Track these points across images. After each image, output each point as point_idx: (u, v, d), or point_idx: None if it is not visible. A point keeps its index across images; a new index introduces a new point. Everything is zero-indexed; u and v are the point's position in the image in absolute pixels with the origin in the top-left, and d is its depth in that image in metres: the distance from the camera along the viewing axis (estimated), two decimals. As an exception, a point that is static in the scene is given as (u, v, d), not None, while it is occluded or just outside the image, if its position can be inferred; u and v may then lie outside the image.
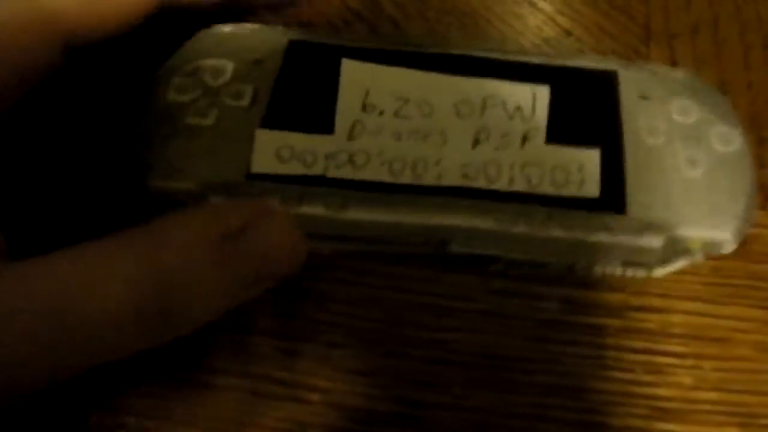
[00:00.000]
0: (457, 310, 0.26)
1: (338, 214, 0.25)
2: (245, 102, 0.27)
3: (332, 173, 0.26)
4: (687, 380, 0.25)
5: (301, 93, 0.27)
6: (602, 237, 0.25)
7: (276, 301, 0.26)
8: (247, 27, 0.29)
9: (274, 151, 0.26)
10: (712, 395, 0.25)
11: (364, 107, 0.27)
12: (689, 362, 0.25)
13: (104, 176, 0.27)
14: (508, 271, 0.26)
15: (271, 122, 0.26)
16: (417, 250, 0.26)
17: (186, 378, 0.25)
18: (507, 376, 0.25)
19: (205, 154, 0.26)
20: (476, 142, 0.26)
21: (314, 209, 0.25)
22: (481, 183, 0.25)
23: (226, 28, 0.29)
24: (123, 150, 0.26)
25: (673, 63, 0.32)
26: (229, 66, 0.28)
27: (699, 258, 0.26)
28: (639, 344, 0.26)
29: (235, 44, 0.29)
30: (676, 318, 0.26)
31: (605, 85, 0.28)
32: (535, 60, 0.29)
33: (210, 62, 0.28)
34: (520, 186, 0.25)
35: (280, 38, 0.29)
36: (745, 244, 0.26)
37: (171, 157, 0.26)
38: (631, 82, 0.28)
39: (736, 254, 0.26)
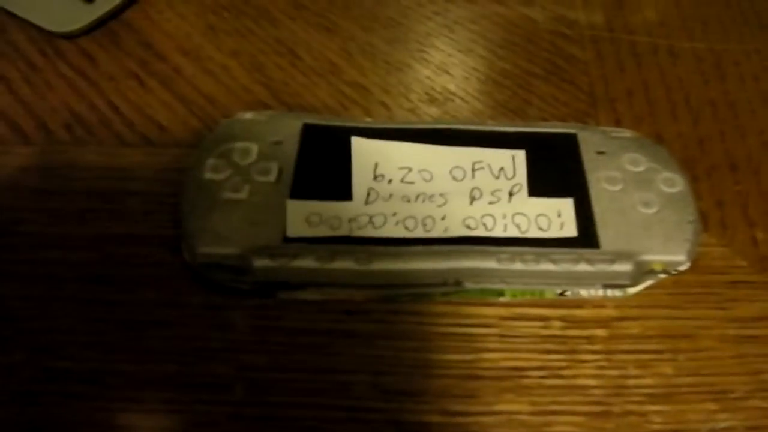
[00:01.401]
0: (478, 335, 0.30)
1: (367, 266, 0.29)
2: (272, 177, 0.31)
3: (356, 233, 0.29)
4: (668, 370, 0.30)
5: (319, 167, 0.31)
6: (584, 267, 0.29)
7: (324, 342, 0.30)
8: (265, 114, 0.33)
9: (304, 217, 0.29)
10: (690, 380, 0.29)
11: (375, 177, 0.31)
12: (667, 356, 0.30)
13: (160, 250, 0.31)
14: (513, 301, 0.31)
15: (298, 193, 0.30)
16: (437, 290, 0.30)
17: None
18: (525, 383, 0.29)
19: (244, 223, 0.29)
20: (472, 199, 0.30)
21: (346, 264, 0.28)
22: (481, 232, 0.30)
23: (247, 115, 0.33)
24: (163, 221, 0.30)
25: (617, 122, 0.36)
26: (254, 147, 0.31)
27: (662, 276, 0.30)
28: (626, 346, 0.30)
29: (256, 129, 0.32)
30: (652, 323, 0.31)
31: (569, 145, 0.32)
32: (509, 128, 0.33)
33: (237, 145, 0.31)
34: (512, 232, 0.30)
35: (295, 122, 0.32)
36: (697, 260, 0.31)
37: (214, 227, 0.29)
38: (588, 141, 0.33)
39: (691, 269, 0.30)
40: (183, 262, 0.30)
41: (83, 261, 0.31)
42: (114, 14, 0.40)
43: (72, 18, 0.39)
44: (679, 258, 0.30)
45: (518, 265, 0.29)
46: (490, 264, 0.29)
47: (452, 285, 0.29)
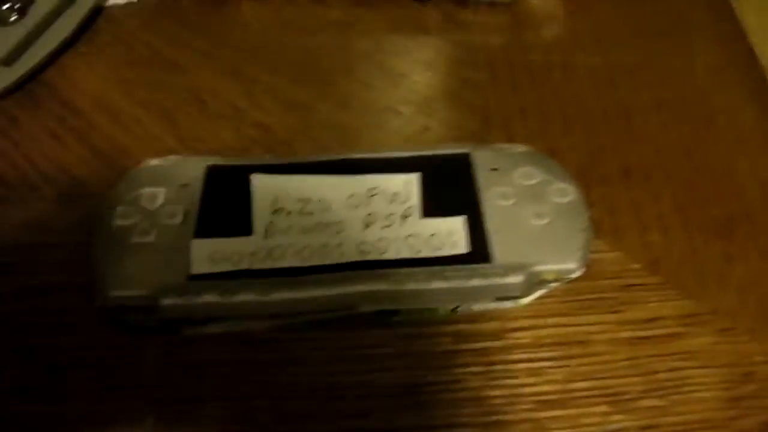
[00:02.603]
0: (375, 356, 0.31)
1: (266, 297, 0.30)
2: (178, 220, 0.32)
3: (256, 266, 0.30)
4: (560, 376, 0.30)
5: (222, 206, 0.33)
6: (475, 282, 0.30)
7: (228, 372, 0.31)
8: (171, 159, 0.35)
9: (207, 255, 0.31)
10: (583, 384, 0.30)
11: (274, 211, 0.32)
12: (560, 363, 0.31)
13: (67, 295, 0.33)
14: (408, 320, 0.32)
15: (202, 233, 0.31)
16: (334, 315, 0.31)
17: None
18: (421, 399, 0.30)
19: (152, 265, 0.30)
20: (366, 225, 0.32)
21: (247, 296, 0.30)
22: (374, 256, 0.31)
23: (154, 162, 0.34)
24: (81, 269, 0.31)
25: (511, 138, 0.38)
26: (161, 192, 0.33)
27: (555, 285, 0.32)
28: (519, 356, 0.31)
29: (163, 174, 0.34)
30: (544, 332, 0.32)
31: (462, 164, 0.34)
32: (404, 154, 0.35)
33: (145, 191, 0.33)
34: (405, 254, 0.31)
35: (199, 164, 0.34)
36: (590, 267, 0.32)
37: (124, 271, 0.30)
38: (481, 159, 0.34)
39: (584, 276, 0.31)
40: (97, 307, 0.31)
41: (6, 311, 0.33)
42: (33, 75, 0.41)
43: (-9, 81, 0.40)
44: (571, 266, 0.31)
45: (411, 286, 0.30)
46: (383, 286, 0.30)
47: (347, 310, 0.30)
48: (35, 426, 0.30)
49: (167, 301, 0.30)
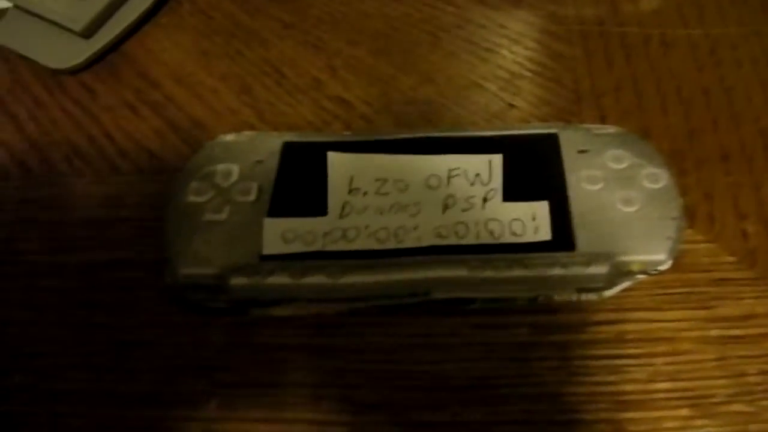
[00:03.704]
0: (447, 345, 0.30)
1: (338, 280, 0.29)
2: (252, 197, 0.31)
3: (329, 247, 0.30)
4: (642, 375, 0.29)
5: (297, 184, 0.32)
6: (557, 271, 0.28)
7: (296, 357, 0.30)
8: (246, 134, 0.34)
9: (280, 235, 0.30)
10: (665, 385, 0.29)
11: (350, 191, 0.31)
12: (643, 361, 0.29)
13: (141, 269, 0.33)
14: (484, 308, 0.30)
15: (275, 211, 0.31)
16: (407, 301, 0.30)
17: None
18: (494, 393, 0.29)
19: (223, 243, 0.30)
20: (445, 208, 0.30)
21: (317, 279, 0.29)
22: (452, 240, 0.29)
23: (229, 137, 0.34)
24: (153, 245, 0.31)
25: (603, 119, 0.36)
26: (235, 168, 0.32)
27: (641, 277, 0.30)
28: (599, 352, 0.30)
29: (238, 149, 0.33)
30: (628, 327, 0.30)
31: (548, 145, 0.32)
32: (488, 133, 0.33)
33: (219, 167, 0.32)
34: (485, 239, 0.29)
35: (275, 141, 0.33)
36: (678, 258, 0.30)
37: (195, 249, 0.30)
38: (569, 140, 0.32)
39: (674, 268, 0.30)
40: (166, 285, 0.31)
41: (73, 287, 0.32)
42: (112, 47, 0.41)
43: (71, 54, 0.40)
44: (659, 257, 0.29)
45: (489, 273, 0.29)
46: (460, 272, 0.29)
47: (421, 296, 0.29)
48: (97, 402, 0.30)
49: (237, 281, 0.29)
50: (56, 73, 0.40)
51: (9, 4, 0.42)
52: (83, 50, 0.40)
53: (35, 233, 0.34)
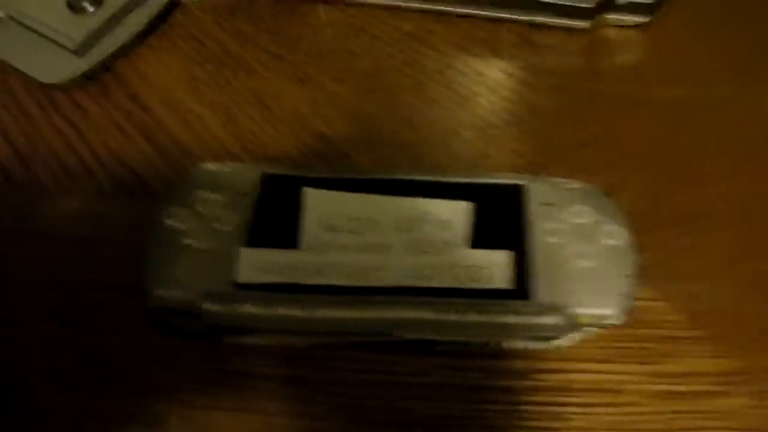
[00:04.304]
0: (408, 383, 0.32)
1: (309, 314, 0.30)
2: (230, 227, 0.32)
3: (303, 281, 0.31)
4: (583, 424, 0.31)
5: (275, 217, 0.33)
6: (511, 318, 0.30)
7: (265, 385, 0.32)
8: (229, 165, 0.35)
9: (255, 265, 0.31)
10: None
11: (325, 227, 0.32)
12: (586, 410, 0.31)
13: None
14: (445, 350, 0.32)
15: (252, 242, 0.32)
16: (374, 338, 0.31)
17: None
18: (453, 429, 0.31)
19: (199, 269, 0.31)
20: (414, 251, 0.32)
21: (290, 311, 0.30)
22: (419, 282, 0.31)
23: (213, 166, 0.35)
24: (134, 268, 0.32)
25: (571, 173, 0.36)
26: (216, 197, 0.33)
27: (592, 329, 0.31)
28: (544, 399, 0.31)
29: (220, 179, 0.34)
30: (574, 376, 0.32)
31: (515, 196, 0.34)
32: (461, 179, 0.34)
33: (201, 194, 0.33)
34: (449, 283, 0.31)
35: (256, 173, 0.34)
36: (631, 314, 0.31)
37: (171, 272, 0.31)
38: (536, 192, 0.34)
39: (624, 323, 0.31)
40: (144, 308, 0.32)
41: (52, 304, 0.34)
42: (104, 66, 0.42)
43: (63, 69, 0.41)
44: (610, 312, 0.31)
45: (451, 316, 0.30)
46: (424, 314, 0.30)
47: (386, 334, 0.31)
48: (72, 419, 0.31)
49: (210, 307, 0.30)
50: (48, 88, 0.41)
51: (2, 14, 0.43)
52: (75, 67, 0.41)
53: (19, 245, 0.35)
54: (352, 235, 0.32)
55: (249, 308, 0.30)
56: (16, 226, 0.36)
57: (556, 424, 0.31)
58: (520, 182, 0.34)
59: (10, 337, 0.33)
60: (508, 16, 0.44)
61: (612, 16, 0.43)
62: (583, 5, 0.42)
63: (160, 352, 0.32)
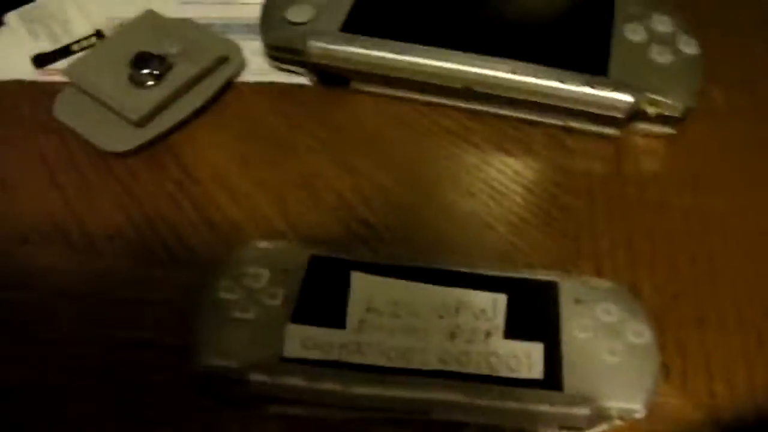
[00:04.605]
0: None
1: (349, 390, 0.32)
2: (277, 302, 0.34)
3: (344, 358, 0.33)
4: None
5: (320, 296, 0.35)
6: (544, 408, 0.32)
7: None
8: (278, 243, 0.38)
9: (300, 340, 0.33)
10: None
11: (368, 309, 0.34)
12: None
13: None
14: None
15: (298, 318, 0.34)
16: (408, 416, 0.33)
17: None
18: None
19: (247, 340, 0.33)
20: (452, 336, 0.34)
21: (331, 385, 0.32)
22: (454, 367, 0.33)
23: (262, 244, 0.37)
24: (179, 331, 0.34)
25: (598, 271, 0.39)
26: (265, 273, 0.35)
27: (617, 422, 0.33)
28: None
29: (269, 256, 0.36)
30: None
31: (548, 292, 0.36)
32: (496, 273, 0.36)
33: (250, 269, 0.35)
34: (484, 369, 0.33)
35: (304, 253, 0.36)
36: (653, 409, 0.32)
37: (220, 342, 0.33)
38: (568, 290, 0.36)
39: (646, 418, 0.32)
40: (188, 371, 0.33)
41: (99, 362, 0.35)
42: (160, 138, 0.44)
43: (123, 139, 0.43)
44: (636, 406, 0.32)
45: (484, 401, 0.32)
46: (458, 398, 0.32)
47: (420, 413, 0.33)
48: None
49: (256, 377, 0.32)
50: (106, 155, 0.43)
51: (71, 82, 0.45)
52: (135, 137, 0.44)
53: (69, 302, 0.37)
54: (393, 318, 0.34)
55: (293, 381, 0.32)
56: (71, 286, 0.38)
57: None
58: (553, 279, 0.36)
59: (54, 389, 0.35)
60: (543, 120, 0.46)
61: (641, 126, 0.46)
62: (616, 115, 0.44)
63: (201, 415, 0.34)
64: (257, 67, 0.49)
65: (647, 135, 0.46)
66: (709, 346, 0.37)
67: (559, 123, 0.46)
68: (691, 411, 0.35)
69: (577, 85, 0.44)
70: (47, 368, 0.35)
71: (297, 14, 0.47)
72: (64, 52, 0.49)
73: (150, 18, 0.48)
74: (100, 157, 0.44)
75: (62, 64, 0.48)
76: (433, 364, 0.33)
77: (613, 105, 0.44)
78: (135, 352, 0.36)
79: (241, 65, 0.48)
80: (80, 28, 0.50)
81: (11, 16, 0.51)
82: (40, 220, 0.41)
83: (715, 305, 0.39)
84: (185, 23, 0.49)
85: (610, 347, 0.34)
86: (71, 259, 0.39)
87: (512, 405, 0.32)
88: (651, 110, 0.44)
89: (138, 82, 0.45)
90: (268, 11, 0.48)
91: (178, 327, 0.34)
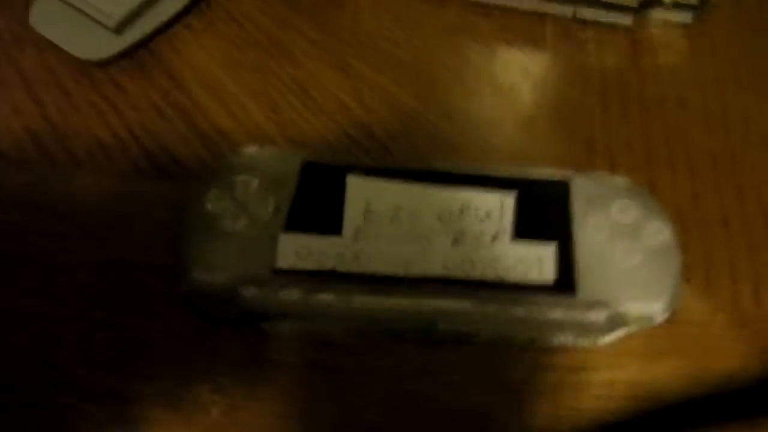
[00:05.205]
0: (447, 375, 0.31)
1: (347, 301, 0.30)
2: (269, 211, 0.32)
3: (341, 268, 0.31)
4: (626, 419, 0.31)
5: (315, 203, 0.33)
6: (557, 314, 0.30)
7: (299, 373, 0.32)
8: (269, 149, 0.35)
9: (294, 250, 0.31)
10: None
11: (365, 215, 0.32)
12: (628, 405, 0.31)
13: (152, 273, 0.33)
14: (484, 344, 0.32)
15: (291, 227, 0.32)
16: (412, 328, 0.31)
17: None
18: (488, 424, 0.31)
19: (237, 253, 0.31)
20: (455, 242, 0.32)
21: (327, 298, 0.30)
22: (459, 274, 0.31)
23: (252, 150, 0.35)
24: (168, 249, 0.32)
25: (613, 169, 0.37)
26: (255, 181, 0.33)
27: (637, 327, 0.31)
28: (591, 395, 0.31)
29: (259, 163, 0.34)
30: (621, 374, 0.31)
31: (559, 191, 0.33)
32: (503, 173, 0.34)
33: (240, 178, 0.33)
34: (490, 275, 0.31)
35: (296, 159, 0.34)
36: (675, 312, 0.31)
37: (209, 256, 0.31)
38: (580, 188, 0.33)
39: (668, 321, 0.31)
40: (179, 291, 0.32)
41: (88, 283, 0.33)
42: (142, 44, 0.42)
43: (101, 47, 0.41)
44: (657, 309, 0.31)
45: (492, 309, 0.30)
46: (465, 306, 0.30)
47: (425, 324, 0.31)
48: (104, 399, 0.31)
49: (248, 292, 0.30)
50: (85, 65, 0.41)
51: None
52: (113, 44, 0.41)
53: (53, 222, 0.35)
54: (394, 223, 0.32)
55: (287, 294, 0.30)
56: (52, 204, 0.36)
57: (600, 420, 0.31)
58: (564, 177, 0.34)
59: (43, 314, 0.33)
60: (552, 11, 0.43)
61: (657, 15, 0.43)
62: (627, 3, 0.42)
63: (194, 336, 0.32)
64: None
65: (664, 26, 0.43)
66: (734, 248, 0.35)
67: (569, 14, 0.43)
68: (715, 313, 0.33)
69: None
70: (33, 293, 0.33)
71: None
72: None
73: None
74: (82, 68, 0.41)
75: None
76: (437, 271, 0.31)
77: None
78: (125, 273, 0.34)
79: (226, -39, 0.46)
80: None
81: None
82: (19, 137, 0.39)
83: (738, 206, 0.37)
84: None
85: (627, 248, 0.32)
86: (52, 177, 0.37)
87: (522, 312, 0.30)
88: (665, -8, 0.42)
89: (115, -14, 0.42)
90: None
91: (167, 244, 0.32)
